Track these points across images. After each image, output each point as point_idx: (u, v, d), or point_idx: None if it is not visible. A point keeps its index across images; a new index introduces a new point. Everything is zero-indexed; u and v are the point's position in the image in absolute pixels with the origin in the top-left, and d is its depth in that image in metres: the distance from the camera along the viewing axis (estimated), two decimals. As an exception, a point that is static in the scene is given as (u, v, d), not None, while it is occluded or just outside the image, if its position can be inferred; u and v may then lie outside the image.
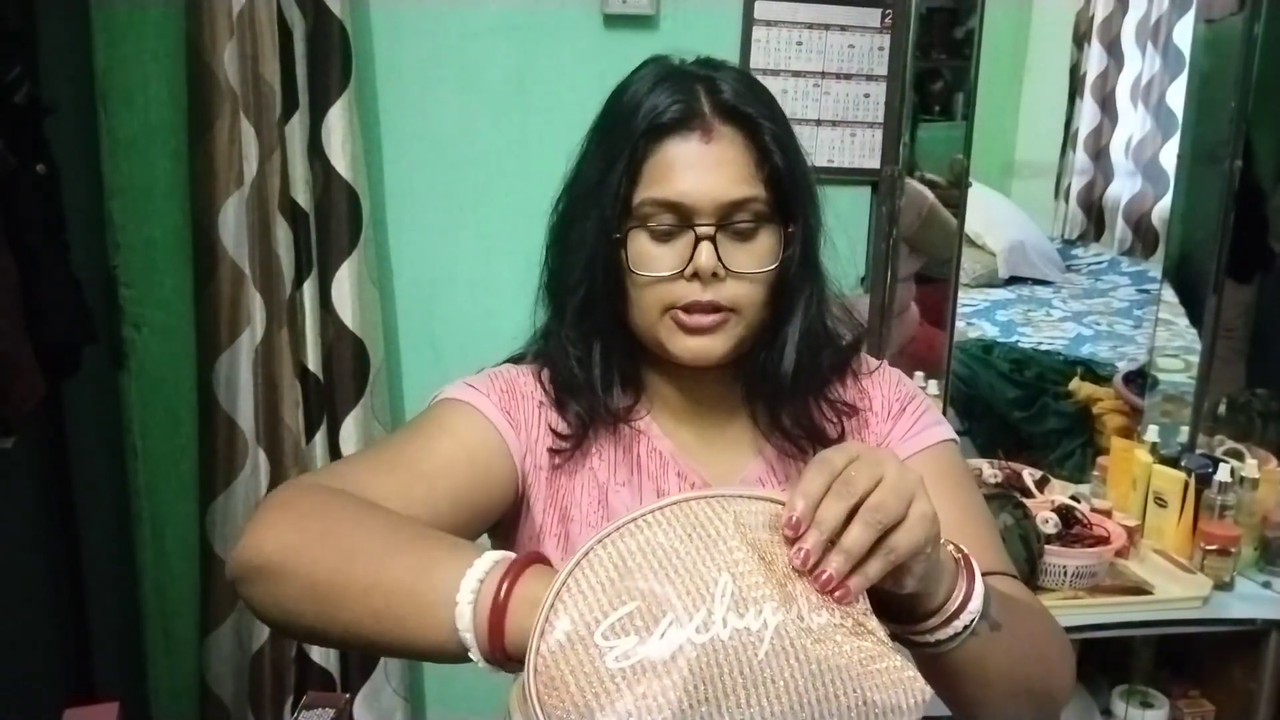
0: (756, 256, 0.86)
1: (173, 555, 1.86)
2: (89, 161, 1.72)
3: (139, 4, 1.70)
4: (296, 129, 1.73)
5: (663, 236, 0.85)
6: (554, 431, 0.92)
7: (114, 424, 1.82)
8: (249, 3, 1.64)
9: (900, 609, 0.70)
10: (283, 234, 1.73)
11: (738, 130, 0.85)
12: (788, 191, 0.86)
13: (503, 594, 0.62)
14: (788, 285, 0.89)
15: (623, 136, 0.85)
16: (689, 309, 0.86)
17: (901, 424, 0.96)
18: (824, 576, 0.61)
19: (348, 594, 0.67)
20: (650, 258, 0.85)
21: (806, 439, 0.94)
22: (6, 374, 1.23)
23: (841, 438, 0.95)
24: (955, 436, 0.98)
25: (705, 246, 0.83)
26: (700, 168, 0.84)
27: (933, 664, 0.73)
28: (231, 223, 1.68)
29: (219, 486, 1.74)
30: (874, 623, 0.63)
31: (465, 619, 0.62)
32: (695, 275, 0.84)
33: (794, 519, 0.62)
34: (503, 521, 0.93)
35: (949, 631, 0.70)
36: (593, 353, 0.91)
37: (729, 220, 0.84)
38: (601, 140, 0.89)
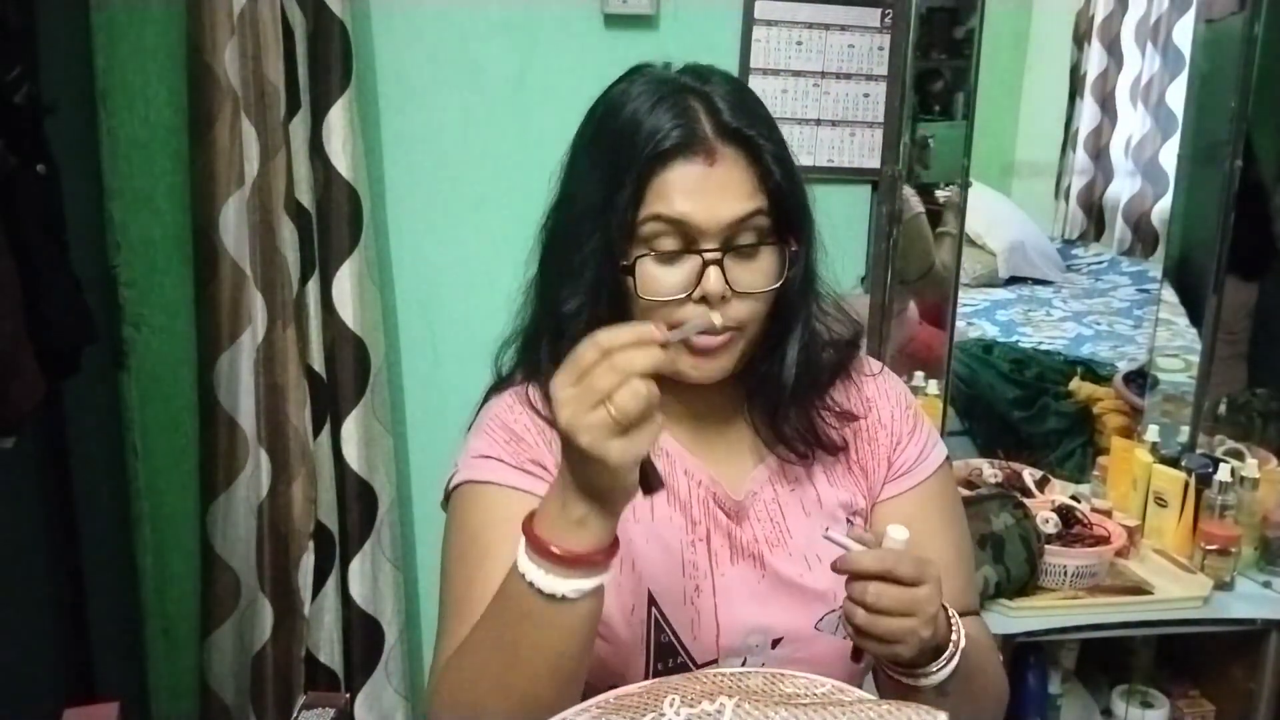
0: (761, 275, 0.86)
1: (173, 555, 1.87)
2: (89, 161, 1.72)
3: (139, 4, 1.70)
4: (299, 129, 1.73)
5: (668, 259, 0.85)
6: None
7: (114, 424, 1.82)
8: (250, 2, 1.64)
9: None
10: (289, 234, 1.73)
11: (739, 151, 0.85)
12: (788, 207, 0.87)
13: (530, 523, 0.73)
14: (790, 300, 0.90)
15: (626, 159, 0.84)
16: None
17: (912, 444, 0.98)
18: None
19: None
20: (657, 281, 0.85)
21: (808, 445, 0.95)
22: (6, 374, 1.23)
23: (844, 445, 0.96)
24: (946, 450, 1.02)
25: (713, 271, 0.84)
26: (704, 190, 0.84)
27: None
28: (232, 223, 1.67)
29: (219, 486, 1.74)
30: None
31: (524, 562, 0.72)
32: (703, 298, 0.84)
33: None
34: None
35: (914, 682, 0.81)
36: None
37: (733, 241, 0.85)
38: (598, 160, 0.88)
